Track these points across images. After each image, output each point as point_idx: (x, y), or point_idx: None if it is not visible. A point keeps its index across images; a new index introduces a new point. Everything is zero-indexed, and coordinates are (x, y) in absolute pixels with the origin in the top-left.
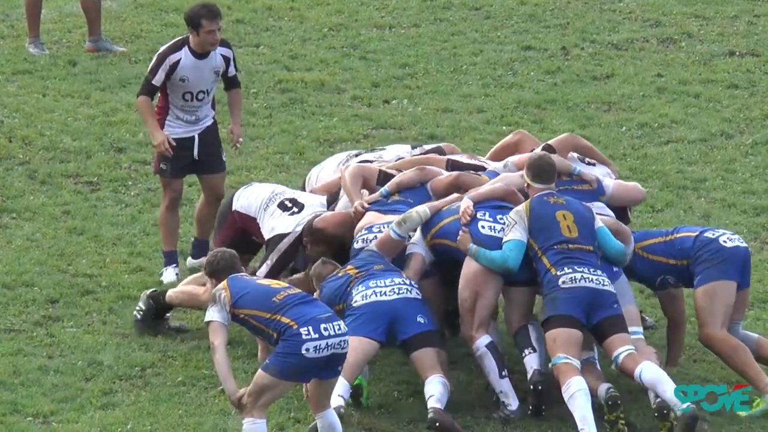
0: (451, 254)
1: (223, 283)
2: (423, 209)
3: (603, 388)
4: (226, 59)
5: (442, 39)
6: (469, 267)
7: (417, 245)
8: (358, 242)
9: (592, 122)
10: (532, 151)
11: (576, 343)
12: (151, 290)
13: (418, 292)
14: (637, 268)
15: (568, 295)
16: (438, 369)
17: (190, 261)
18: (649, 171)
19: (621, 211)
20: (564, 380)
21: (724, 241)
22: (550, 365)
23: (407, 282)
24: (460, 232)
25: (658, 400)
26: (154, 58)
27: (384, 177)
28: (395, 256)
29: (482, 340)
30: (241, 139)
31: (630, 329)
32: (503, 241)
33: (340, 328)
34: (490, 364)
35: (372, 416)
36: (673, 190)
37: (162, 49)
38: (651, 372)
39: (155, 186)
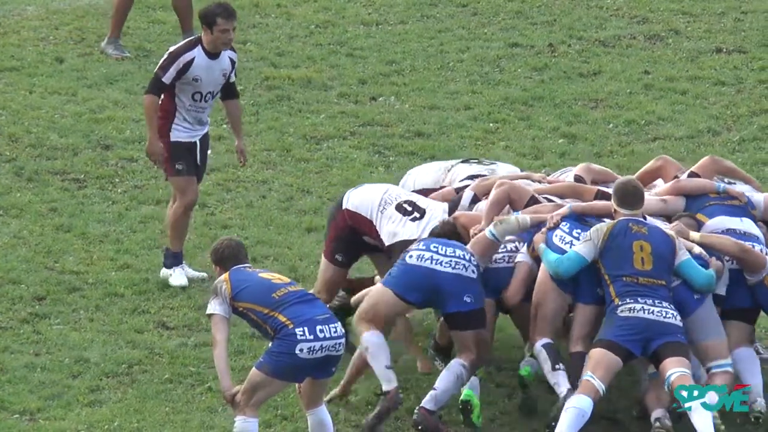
0: None
1: (225, 276)
2: (523, 217)
3: (658, 411)
4: (232, 63)
5: (428, 36)
6: (538, 277)
7: (524, 254)
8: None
9: (579, 119)
10: (675, 177)
11: (608, 368)
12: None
13: (475, 269)
14: (760, 299)
15: (622, 323)
16: (468, 352)
17: (163, 272)
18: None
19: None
20: (576, 393)
21: None
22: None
23: (467, 257)
24: (539, 233)
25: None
26: (165, 57)
27: (532, 201)
28: (484, 260)
29: (539, 342)
30: (246, 157)
31: (713, 363)
32: (571, 249)
33: (336, 331)
34: (544, 360)
35: (359, 413)
36: None
37: (173, 48)
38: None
39: (142, 183)
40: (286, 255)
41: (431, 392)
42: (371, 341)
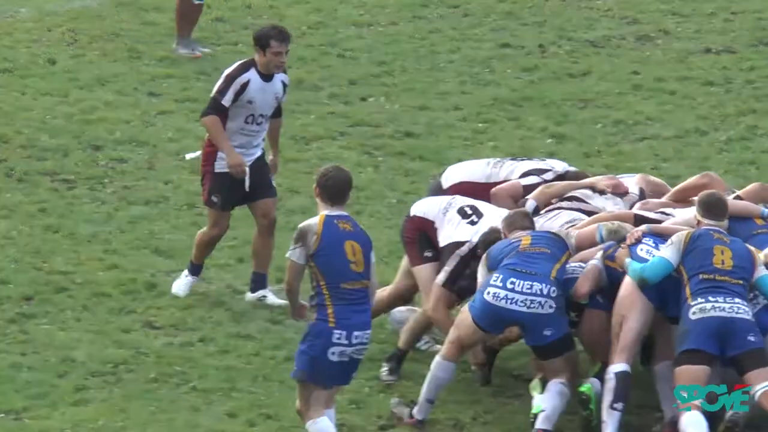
0: (615, 278)
1: (319, 227)
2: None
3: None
4: (284, 86)
5: (419, 37)
6: (621, 292)
7: (597, 260)
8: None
9: (568, 119)
10: None
11: (700, 380)
12: None
13: (553, 304)
14: None
15: (696, 327)
16: (560, 375)
17: (248, 295)
18: (624, 168)
19: None
20: (679, 415)
21: None
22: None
23: (544, 291)
24: (620, 248)
25: None
26: (222, 79)
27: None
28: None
29: (614, 367)
30: (277, 171)
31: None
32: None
33: (367, 338)
34: (609, 390)
35: (342, 411)
36: None
37: (229, 70)
38: None
39: (131, 184)
40: (275, 255)
41: (541, 414)
42: (437, 373)
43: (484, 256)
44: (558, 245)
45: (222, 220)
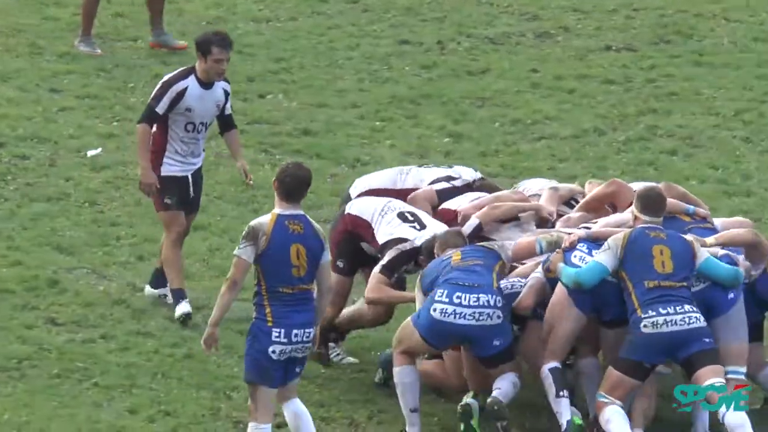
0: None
1: (269, 226)
2: (560, 236)
3: None
4: (226, 94)
5: (318, 33)
6: (553, 298)
7: (539, 273)
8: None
9: (466, 117)
10: (630, 203)
11: (625, 390)
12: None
13: (500, 314)
14: (763, 290)
15: (645, 341)
16: (511, 372)
17: (148, 290)
18: (521, 167)
19: None
20: (599, 413)
21: None
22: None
23: (491, 302)
24: (554, 253)
25: None
26: (159, 86)
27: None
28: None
29: (547, 366)
30: (251, 175)
31: (728, 368)
32: (590, 260)
33: (308, 336)
34: (549, 385)
35: (241, 409)
36: None
37: (167, 77)
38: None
39: (34, 180)
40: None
41: (496, 390)
42: (401, 380)
43: (419, 278)
44: (489, 256)
45: (179, 218)
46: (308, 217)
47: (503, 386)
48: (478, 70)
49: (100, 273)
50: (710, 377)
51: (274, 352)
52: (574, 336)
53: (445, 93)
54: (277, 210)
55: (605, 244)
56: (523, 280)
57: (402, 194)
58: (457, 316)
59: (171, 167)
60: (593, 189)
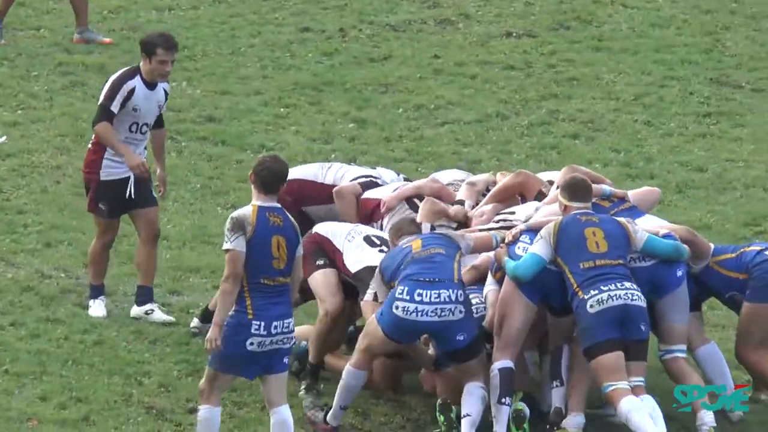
0: None
1: (252, 216)
2: (520, 226)
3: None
4: (166, 94)
5: (220, 21)
6: (501, 292)
7: (491, 282)
8: None
9: (369, 104)
10: (539, 191)
11: (619, 367)
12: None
13: (462, 308)
14: (709, 282)
15: (597, 320)
16: (478, 376)
17: (135, 309)
18: (425, 152)
19: None
20: (616, 404)
21: None
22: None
23: (452, 297)
24: (499, 248)
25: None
26: (108, 86)
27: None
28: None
29: (498, 364)
30: (166, 188)
31: (673, 347)
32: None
33: (288, 327)
34: (495, 387)
35: (152, 395)
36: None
37: (114, 77)
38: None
39: None
40: (80, 240)
41: (466, 419)
42: (350, 381)
43: (377, 269)
44: (451, 245)
45: (110, 227)
46: (284, 210)
47: (473, 411)
48: (381, 57)
49: (8, 260)
50: (632, 376)
51: (252, 344)
52: (526, 328)
53: (347, 80)
54: (256, 202)
55: (538, 235)
56: (482, 297)
57: (325, 189)
58: (419, 313)
59: (111, 170)
60: (514, 173)
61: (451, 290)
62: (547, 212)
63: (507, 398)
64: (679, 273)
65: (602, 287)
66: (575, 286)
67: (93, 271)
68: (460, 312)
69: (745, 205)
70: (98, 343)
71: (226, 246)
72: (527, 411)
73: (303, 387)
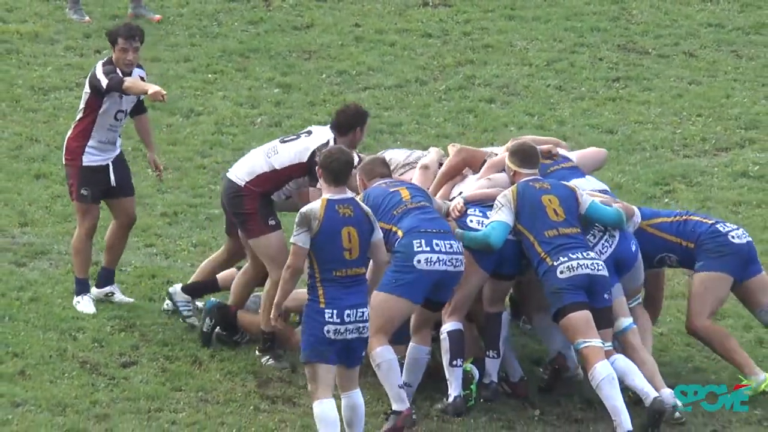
0: None
1: (321, 210)
2: (458, 200)
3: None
4: (143, 80)
5: None
6: None
7: None
8: None
9: (294, 70)
10: (484, 161)
11: (591, 326)
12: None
13: (463, 259)
14: (642, 245)
15: (569, 285)
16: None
17: (94, 290)
18: None
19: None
20: (589, 367)
21: (732, 237)
22: (573, 350)
23: (460, 249)
24: (450, 225)
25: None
26: (100, 68)
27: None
28: None
29: (447, 326)
30: (162, 168)
31: (621, 320)
32: (488, 221)
33: (362, 316)
34: (445, 351)
35: (86, 350)
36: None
37: (100, 64)
38: (622, 364)
39: None
40: (15, 200)
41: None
42: (384, 357)
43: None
44: (430, 200)
45: (93, 210)
46: (357, 199)
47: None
48: (304, 25)
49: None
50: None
51: (328, 331)
52: (476, 292)
53: (272, 47)
54: (326, 195)
55: (496, 203)
56: None
57: (281, 173)
58: (442, 263)
59: (92, 157)
60: (455, 151)
61: (455, 242)
62: (479, 185)
63: (459, 360)
64: (634, 247)
65: (570, 255)
66: (542, 254)
67: (77, 263)
68: (462, 264)
69: (654, 165)
70: (33, 300)
71: (291, 239)
72: (476, 372)
73: (268, 358)
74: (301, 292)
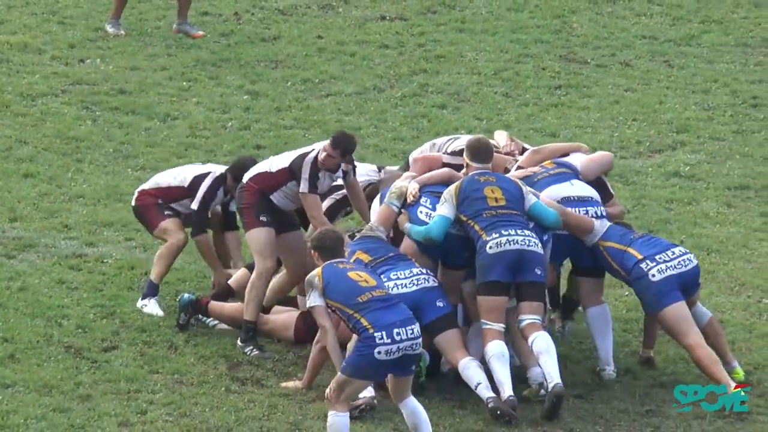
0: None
1: (318, 271)
2: (413, 183)
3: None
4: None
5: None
6: (403, 249)
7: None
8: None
9: (262, 78)
10: (442, 164)
11: (499, 310)
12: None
13: (435, 279)
14: (598, 259)
15: (494, 261)
16: (464, 349)
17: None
18: (311, 121)
19: (600, 184)
20: (485, 344)
21: (653, 275)
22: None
23: (424, 271)
24: (401, 216)
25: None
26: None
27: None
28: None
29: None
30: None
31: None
32: (434, 215)
33: (413, 332)
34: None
35: (71, 335)
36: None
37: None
38: (541, 343)
39: None
40: (5, 198)
41: (479, 384)
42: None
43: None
44: (386, 243)
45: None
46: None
47: (482, 379)
48: (271, 37)
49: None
50: (527, 313)
51: (380, 353)
52: (453, 286)
53: (242, 57)
54: (321, 264)
55: (442, 197)
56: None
57: (274, 176)
58: (400, 287)
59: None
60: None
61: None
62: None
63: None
64: (545, 237)
65: (503, 231)
66: (479, 230)
67: (160, 270)
68: (434, 281)
69: None
70: (22, 289)
71: (308, 304)
72: (427, 356)
73: (250, 349)
74: (278, 283)
